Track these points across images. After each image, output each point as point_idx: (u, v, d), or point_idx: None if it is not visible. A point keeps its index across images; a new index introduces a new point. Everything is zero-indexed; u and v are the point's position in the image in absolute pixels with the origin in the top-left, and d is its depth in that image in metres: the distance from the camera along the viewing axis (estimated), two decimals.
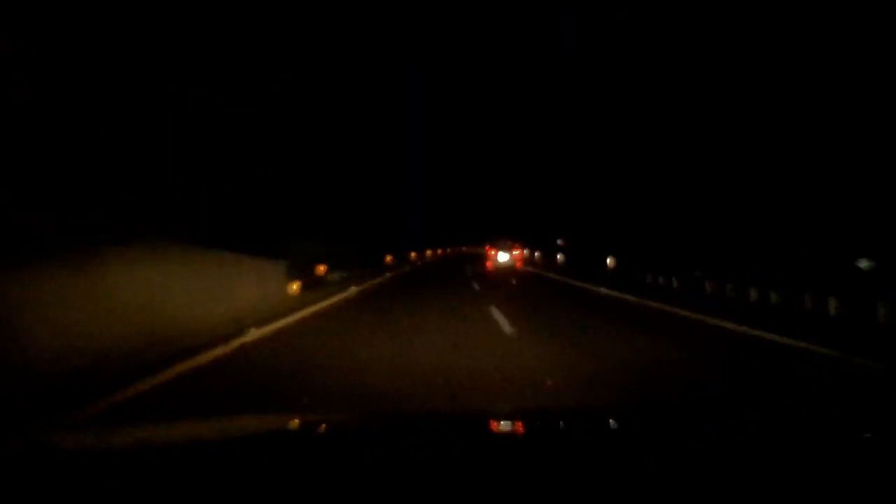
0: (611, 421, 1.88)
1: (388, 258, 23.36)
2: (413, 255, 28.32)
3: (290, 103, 20.85)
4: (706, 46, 20.92)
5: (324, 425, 1.76)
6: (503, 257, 28.64)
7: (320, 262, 16.10)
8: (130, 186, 11.49)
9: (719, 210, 20.32)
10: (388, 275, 21.49)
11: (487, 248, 35.41)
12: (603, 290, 15.51)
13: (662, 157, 25.32)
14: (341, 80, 27.86)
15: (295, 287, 12.83)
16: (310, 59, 21.38)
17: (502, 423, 1.92)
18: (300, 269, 13.69)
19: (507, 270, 24.69)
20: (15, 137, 9.12)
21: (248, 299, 9.95)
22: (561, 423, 1.92)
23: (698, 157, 22.24)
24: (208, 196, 14.39)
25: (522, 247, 33.36)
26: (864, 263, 11.44)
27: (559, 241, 36.41)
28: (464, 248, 77.24)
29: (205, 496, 1.07)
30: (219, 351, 6.17)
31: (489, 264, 28.60)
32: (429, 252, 38.17)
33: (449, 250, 65.69)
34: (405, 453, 1.33)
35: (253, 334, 7.27)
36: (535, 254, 33.89)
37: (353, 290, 14.46)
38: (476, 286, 16.87)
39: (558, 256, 33.23)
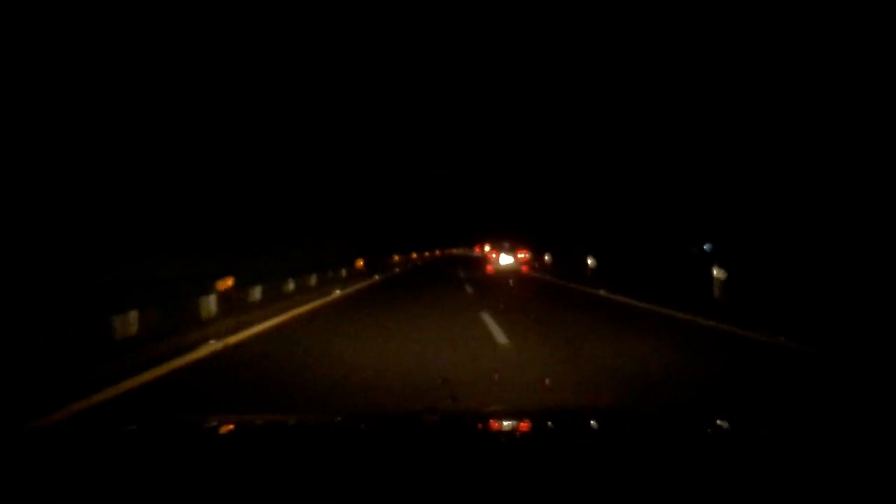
0: (609, 420, 1.88)
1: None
2: (360, 262, 22.89)
3: (290, 103, 20.89)
4: (706, 46, 20.97)
5: (319, 426, 1.76)
6: (506, 260, 27.57)
7: None
8: (128, 186, 11.48)
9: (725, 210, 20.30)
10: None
11: (477, 248, 33.78)
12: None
13: (661, 157, 25.36)
14: (341, 80, 27.92)
15: None
16: (310, 59, 21.42)
17: (502, 423, 1.91)
18: None
19: (512, 276, 23.72)
20: (14, 137, 9.12)
21: None
22: (560, 423, 1.91)
23: (696, 158, 22.28)
24: (208, 196, 14.39)
25: (529, 250, 31.41)
26: None
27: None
28: (455, 251, 73.29)
29: (203, 493, 1.06)
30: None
31: (489, 268, 27.47)
32: (396, 258, 33.87)
33: (438, 253, 63.84)
34: (403, 453, 1.32)
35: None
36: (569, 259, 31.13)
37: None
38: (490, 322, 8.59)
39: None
